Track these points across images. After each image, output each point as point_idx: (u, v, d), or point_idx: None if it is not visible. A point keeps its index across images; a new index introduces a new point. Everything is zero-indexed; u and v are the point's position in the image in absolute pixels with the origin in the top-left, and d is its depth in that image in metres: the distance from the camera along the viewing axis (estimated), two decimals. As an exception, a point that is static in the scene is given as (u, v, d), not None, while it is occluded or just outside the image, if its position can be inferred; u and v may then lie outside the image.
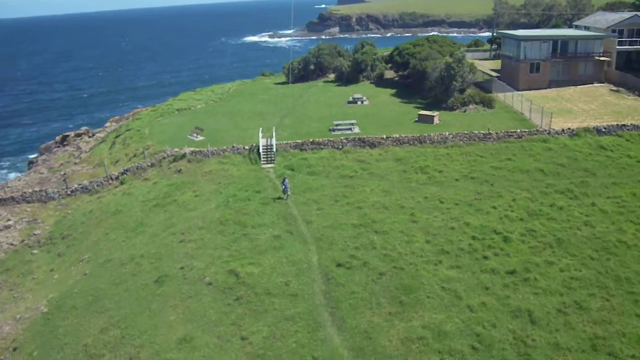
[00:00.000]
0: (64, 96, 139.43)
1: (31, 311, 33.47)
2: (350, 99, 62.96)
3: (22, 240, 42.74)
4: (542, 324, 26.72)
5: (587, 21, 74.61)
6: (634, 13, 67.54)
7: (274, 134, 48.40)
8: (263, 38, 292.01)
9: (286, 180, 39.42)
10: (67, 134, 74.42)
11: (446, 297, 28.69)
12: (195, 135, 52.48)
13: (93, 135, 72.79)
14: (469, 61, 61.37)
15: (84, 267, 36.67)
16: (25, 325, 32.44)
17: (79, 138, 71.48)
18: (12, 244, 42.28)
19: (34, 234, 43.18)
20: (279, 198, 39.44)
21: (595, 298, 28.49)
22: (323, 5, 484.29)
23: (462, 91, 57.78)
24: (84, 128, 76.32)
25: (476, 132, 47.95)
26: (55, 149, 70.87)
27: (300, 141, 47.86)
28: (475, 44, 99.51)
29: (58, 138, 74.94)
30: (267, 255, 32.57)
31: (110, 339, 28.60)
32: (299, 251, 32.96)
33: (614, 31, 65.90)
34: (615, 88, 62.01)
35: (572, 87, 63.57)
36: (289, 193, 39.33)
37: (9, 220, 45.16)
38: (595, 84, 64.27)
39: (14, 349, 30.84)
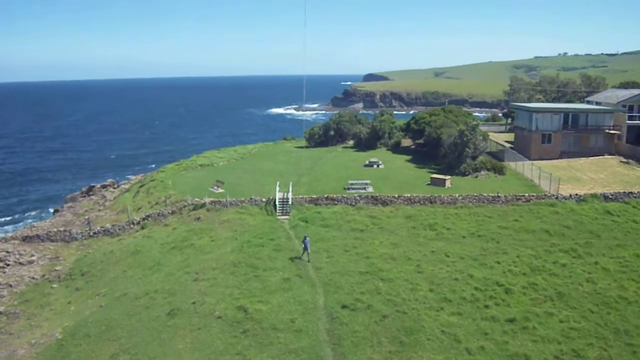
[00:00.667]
0: (92, 156, 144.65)
1: (46, 337, 34.84)
2: (367, 162, 65.39)
3: (43, 275, 44.58)
4: (539, 370, 27.29)
5: (599, 97, 77.33)
6: (644, 90, 70.06)
7: (290, 188, 50.61)
8: (289, 110, 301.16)
9: (307, 239, 38.67)
10: (93, 185, 77.58)
11: (446, 340, 29.50)
12: (215, 187, 54.91)
13: (118, 186, 75.86)
14: (482, 130, 63.76)
15: (100, 300, 38.23)
16: (39, 350, 33.73)
17: (104, 189, 74.51)
18: (33, 278, 44.13)
19: (55, 270, 45.07)
20: (298, 258, 38.95)
21: (593, 348, 29.04)
22: (349, 83, 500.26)
23: (474, 158, 59.84)
24: (109, 180, 79.54)
25: (485, 194, 49.53)
26: (81, 199, 73.78)
27: (315, 196, 49.89)
28: (493, 119, 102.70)
29: (84, 189, 78.08)
30: (276, 295, 33.88)
31: (121, 366, 29.76)
32: (306, 293, 34.24)
33: (624, 106, 68.30)
34: (625, 160, 63.59)
35: (583, 158, 65.32)
36: (309, 252, 38.47)
37: (32, 256, 47.25)
38: (605, 156, 65.98)
39: (28, 372, 32.03)
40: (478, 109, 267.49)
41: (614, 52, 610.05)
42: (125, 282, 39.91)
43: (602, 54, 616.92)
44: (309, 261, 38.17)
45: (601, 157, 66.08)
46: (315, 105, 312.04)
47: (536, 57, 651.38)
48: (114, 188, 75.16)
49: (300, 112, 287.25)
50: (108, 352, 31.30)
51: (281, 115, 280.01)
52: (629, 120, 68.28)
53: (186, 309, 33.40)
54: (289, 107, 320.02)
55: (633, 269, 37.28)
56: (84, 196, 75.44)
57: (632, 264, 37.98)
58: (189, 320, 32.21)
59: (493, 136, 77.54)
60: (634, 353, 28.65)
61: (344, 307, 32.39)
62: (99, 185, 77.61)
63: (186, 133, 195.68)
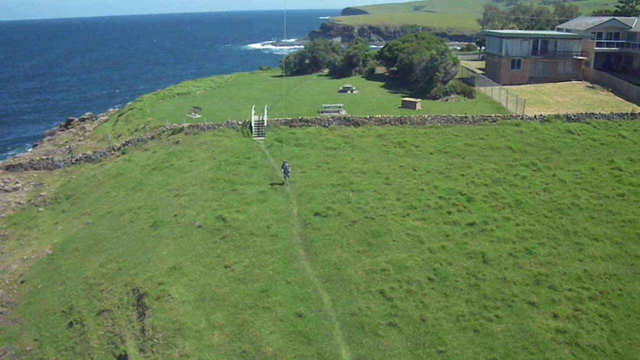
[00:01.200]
0: (67, 96, 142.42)
1: (37, 253, 36.87)
2: (341, 88, 66.70)
3: (29, 200, 46.16)
4: (493, 264, 30.09)
5: (569, 24, 78.64)
6: (612, 17, 71.50)
7: (265, 111, 52.07)
8: (266, 46, 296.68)
9: (287, 163, 39.20)
10: (72, 118, 77.92)
11: (410, 241, 32.10)
12: (193, 113, 56.09)
13: (97, 118, 76.39)
14: (452, 55, 65.09)
15: (86, 219, 40.13)
16: (31, 264, 35.83)
17: (83, 122, 75.01)
18: (19, 203, 45.69)
19: (40, 195, 46.60)
20: (279, 184, 39.35)
21: (544, 246, 31.85)
22: (327, 17, 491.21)
23: (445, 82, 61.49)
24: (88, 113, 79.84)
25: (454, 115, 51.55)
26: (60, 132, 74.33)
27: (290, 118, 51.49)
28: (468, 48, 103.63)
29: (62, 123, 78.44)
30: (253, 206, 36.06)
31: (108, 271, 32.02)
32: (281, 203, 36.50)
33: (592, 33, 69.73)
34: (591, 85, 65.73)
35: (551, 83, 67.29)
36: (289, 177, 39.26)
37: (17, 183, 48.61)
38: (573, 81, 67.99)
39: (21, 282, 34.19)
40: (457, 42, 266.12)
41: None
42: (109, 201, 41.72)
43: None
44: (287, 185, 38.97)
45: (568, 82, 68.06)
46: (292, 40, 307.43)
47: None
48: (93, 120, 75.67)
49: (278, 47, 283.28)
50: (96, 262, 33.48)
51: (259, 50, 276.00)
52: (596, 47, 69.83)
53: (168, 221, 35.45)
54: (267, 42, 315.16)
55: (587, 180, 40.01)
56: (63, 130, 75.89)
57: (587, 176, 40.69)
58: (171, 230, 34.31)
59: (466, 64, 79.01)
60: (580, 250, 31.50)
61: (316, 214, 34.71)
62: (77, 119, 77.97)
63: (163, 70, 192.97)
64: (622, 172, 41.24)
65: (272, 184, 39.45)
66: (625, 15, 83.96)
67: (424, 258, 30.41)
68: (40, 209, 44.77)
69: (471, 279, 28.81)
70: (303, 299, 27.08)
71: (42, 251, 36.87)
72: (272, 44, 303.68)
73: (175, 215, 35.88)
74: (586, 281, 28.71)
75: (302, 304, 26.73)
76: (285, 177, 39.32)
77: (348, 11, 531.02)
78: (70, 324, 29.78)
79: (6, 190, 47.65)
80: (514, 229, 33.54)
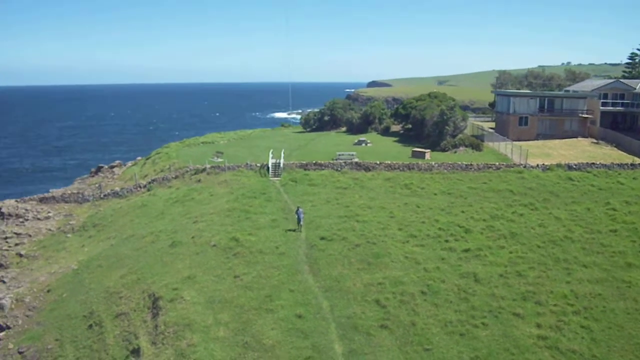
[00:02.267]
0: (96, 156, 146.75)
1: (63, 269, 39.98)
2: (356, 141, 70.49)
3: (59, 227, 49.74)
4: (483, 283, 32.14)
5: (577, 86, 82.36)
6: (617, 79, 74.95)
7: (282, 155, 55.74)
8: (292, 115, 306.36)
9: (300, 210, 39.42)
10: (102, 165, 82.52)
11: (407, 262, 34.41)
12: (215, 157, 60.07)
13: (125, 165, 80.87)
14: (462, 111, 68.75)
15: (111, 241, 43.34)
16: (57, 277, 38.89)
17: (112, 168, 79.52)
18: (50, 230, 49.27)
19: (70, 224, 50.18)
20: (293, 230, 39.31)
21: (534, 270, 33.81)
22: (352, 90, 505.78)
23: (454, 136, 64.78)
24: (117, 161, 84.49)
25: (459, 163, 54.48)
26: (90, 178, 78.81)
27: (305, 162, 54.98)
28: (483, 112, 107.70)
29: (93, 169, 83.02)
30: (264, 230, 38.95)
31: (128, 281, 34.84)
32: (290, 225, 39.32)
33: (599, 94, 73.14)
34: (595, 141, 68.39)
35: (558, 139, 70.11)
36: (302, 224, 39.17)
37: (49, 213, 52.41)
38: (579, 138, 70.74)
39: (47, 291, 37.12)
40: (482, 114, 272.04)
41: (617, 62, 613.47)
42: (132, 227, 45.01)
43: (605, 63, 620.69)
44: (301, 231, 38.84)
45: (575, 139, 70.82)
46: (317, 110, 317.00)
47: (540, 66, 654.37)
48: (122, 166, 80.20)
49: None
50: (117, 275, 36.40)
51: (285, 118, 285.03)
52: (602, 106, 73.08)
53: (186, 242, 38.43)
54: (293, 111, 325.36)
55: (582, 218, 42.09)
56: (93, 175, 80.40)
57: (583, 215, 42.78)
58: (188, 248, 37.22)
59: (479, 124, 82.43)
60: (569, 274, 33.35)
61: (322, 238, 37.38)
62: (107, 166, 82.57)
63: (195, 132, 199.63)
64: (617, 211, 43.25)
65: (286, 231, 39.16)
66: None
67: (419, 276, 32.62)
68: (69, 235, 48.17)
69: (462, 293, 30.84)
70: (303, 304, 29.41)
71: (68, 267, 39.96)
72: (296, 113, 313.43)
73: (193, 237, 38.86)
74: (572, 299, 30.48)
75: (302, 307, 29.05)
76: (298, 224, 39.14)
77: (373, 84, 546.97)
78: (90, 326, 32.38)
79: (38, 219, 51.33)
80: (507, 256, 35.63)
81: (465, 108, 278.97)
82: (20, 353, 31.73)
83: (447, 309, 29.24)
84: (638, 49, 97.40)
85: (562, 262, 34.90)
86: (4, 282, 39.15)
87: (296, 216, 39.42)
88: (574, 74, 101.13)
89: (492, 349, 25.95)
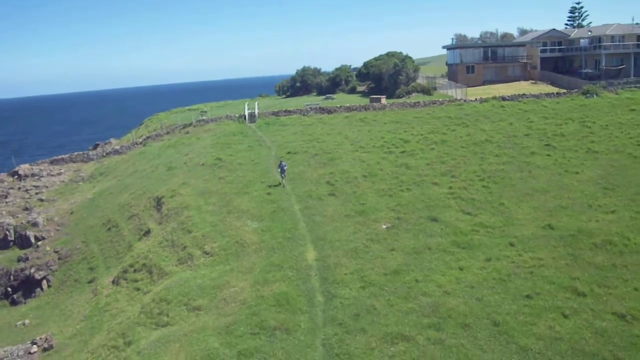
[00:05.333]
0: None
1: (81, 199, 48.81)
2: (323, 97, 79.53)
3: (71, 179, 58.44)
4: (413, 168, 41.21)
5: (521, 38, 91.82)
6: (553, 28, 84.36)
7: (256, 106, 64.76)
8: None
9: (283, 162, 39.34)
10: (98, 143, 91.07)
11: (354, 162, 43.50)
12: (200, 116, 68.92)
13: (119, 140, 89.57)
14: (414, 63, 77.95)
15: (117, 178, 52.21)
16: (77, 204, 47.70)
17: (108, 144, 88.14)
18: (63, 181, 57.96)
19: (79, 176, 58.92)
20: (278, 185, 39.03)
21: (455, 159, 42.84)
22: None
23: (407, 84, 73.95)
24: (111, 138, 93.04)
25: (409, 102, 63.67)
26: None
27: (276, 110, 64.02)
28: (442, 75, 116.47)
29: (91, 147, 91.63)
30: (242, 153, 48.06)
31: (135, 195, 43.78)
32: (263, 150, 48.53)
33: (538, 42, 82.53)
34: (534, 82, 77.83)
35: (502, 83, 79.49)
36: (285, 176, 39.07)
37: (60, 170, 61.14)
38: (521, 81, 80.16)
39: (71, 213, 45.99)
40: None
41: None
42: (134, 167, 53.92)
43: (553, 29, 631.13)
44: (284, 186, 38.60)
45: (517, 82, 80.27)
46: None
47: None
48: (116, 140, 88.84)
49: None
50: (126, 194, 45.29)
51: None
52: (541, 53, 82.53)
53: (180, 166, 47.45)
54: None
55: (504, 129, 51.47)
56: (92, 150, 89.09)
57: (505, 127, 52.14)
58: (182, 169, 46.23)
59: (438, 80, 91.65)
60: (482, 160, 42.49)
61: (288, 152, 46.56)
62: (102, 143, 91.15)
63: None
64: (533, 123, 52.75)
65: (270, 186, 38.82)
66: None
67: (363, 167, 41.75)
68: (80, 183, 56.92)
69: (394, 175, 39.94)
70: (272, 188, 38.47)
71: (85, 197, 48.83)
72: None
73: (185, 163, 47.86)
74: (480, 173, 39.42)
75: (271, 189, 38.11)
76: (282, 178, 39.02)
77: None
78: (108, 229, 41.30)
79: (52, 175, 59.99)
80: (435, 153, 44.82)
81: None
82: (56, 252, 40.54)
83: (381, 184, 38.29)
84: (577, 3, 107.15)
85: (479, 154, 44.07)
86: (34, 211, 47.84)
87: (279, 170, 39.12)
88: (525, 33, 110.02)
89: (411, 200, 35.02)
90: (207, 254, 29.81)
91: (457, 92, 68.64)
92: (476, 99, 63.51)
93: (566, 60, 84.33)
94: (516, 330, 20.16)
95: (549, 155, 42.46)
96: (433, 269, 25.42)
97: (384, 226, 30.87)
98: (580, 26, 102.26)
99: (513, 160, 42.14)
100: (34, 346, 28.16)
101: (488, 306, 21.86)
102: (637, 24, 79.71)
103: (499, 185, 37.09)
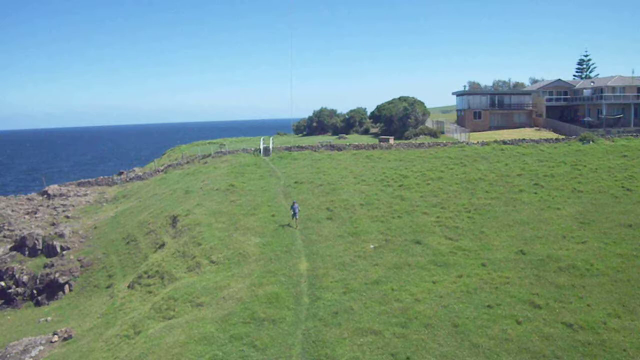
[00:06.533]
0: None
1: (104, 216, 53.16)
2: (338, 136, 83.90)
3: (95, 200, 63.06)
4: (407, 200, 44.80)
5: (529, 87, 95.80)
6: (558, 79, 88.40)
7: (271, 140, 69.29)
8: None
9: (296, 204, 38.52)
10: (122, 171, 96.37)
11: (355, 192, 47.28)
12: (219, 148, 73.68)
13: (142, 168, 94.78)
14: (423, 107, 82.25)
15: (138, 200, 56.58)
16: (100, 221, 52.01)
17: (132, 168, 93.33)
18: (88, 201, 62.58)
19: (104, 198, 63.54)
20: (288, 225, 38.63)
21: (447, 194, 46.42)
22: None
23: (416, 127, 78.08)
24: (136, 168, 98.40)
25: (414, 142, 67.63)
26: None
27: (289, 145, 68.44)
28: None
29: (115, 174, 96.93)
30: (254, 181, 52.23)
31: (154, 214, 47.94)
32: (273, 180, 52.55)
33: (544, 92, 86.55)
34: (538, 128, 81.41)
35: (508, 129, 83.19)
36: (297, 218, 38.42)
37: (86, 192, 65.90)
38: (525, 128, 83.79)
39: (94, 228, 50.24)
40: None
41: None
42: (155, 191, 58.35)
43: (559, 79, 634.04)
44: (296, 227, 38.07)
45: (522, 128, 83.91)
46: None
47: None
48: (140, 168, 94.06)
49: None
50: (147, 213, 49.51)
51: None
52: (547, 101, 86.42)
53: (196, 190, 51.69)
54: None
55: (498, 169, 54.88)
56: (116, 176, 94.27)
57: (500, 167, 55.60)
58: (198, 193, 50.44)
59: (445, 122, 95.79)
60: (472, 195, 45.97)
61: (295, 182, 50.59)
62: (126, 171, 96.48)
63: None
64: (528, 164, 56.12)
65: (281, 225, 38.74)
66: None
67: (361, 198, 45.48)
68: (104, 204, 61.47)
69: (389, 205, 43.54)
70: (276, 211, 42.34)
71: (108, 215, 53.16)
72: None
73: (201, 187, 52.11)
74: (468, 206, 42.93)
75: (276, 212, 41.98)
76: (293, 218, 38.51)
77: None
78: (128, 242, 45.36)
79: (78, 196, 64.73)
80: (429, 188, 48.36)
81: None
82: (79, 260, 44.58)
83: (375, 211, 41.89)
84: (584, 56, 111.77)
85: (470, 190, 47.55)
86: (60, 226, 52.20)
87: (291, 211, 38.47)
88: (536, 82, 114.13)
89: (400, 226, 38.49)
90: (213, 262, 33.58)
91: (461, 136, 72.40)
92: (478, 142, 67.15)
93: (571, 109, 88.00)
94: (472, 331, 23.34)
95: (535, 193, 45.72)
96: (409, 281, 28.78)
97: (371, 246, 34.38)
98: (587, 77, 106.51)
99: (501, 196, 45.43)
100: (55, 336, 31.94)
101: (452, 312, 25.09)
102: (637, 76, 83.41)
103: (483, 216, 40.35)
